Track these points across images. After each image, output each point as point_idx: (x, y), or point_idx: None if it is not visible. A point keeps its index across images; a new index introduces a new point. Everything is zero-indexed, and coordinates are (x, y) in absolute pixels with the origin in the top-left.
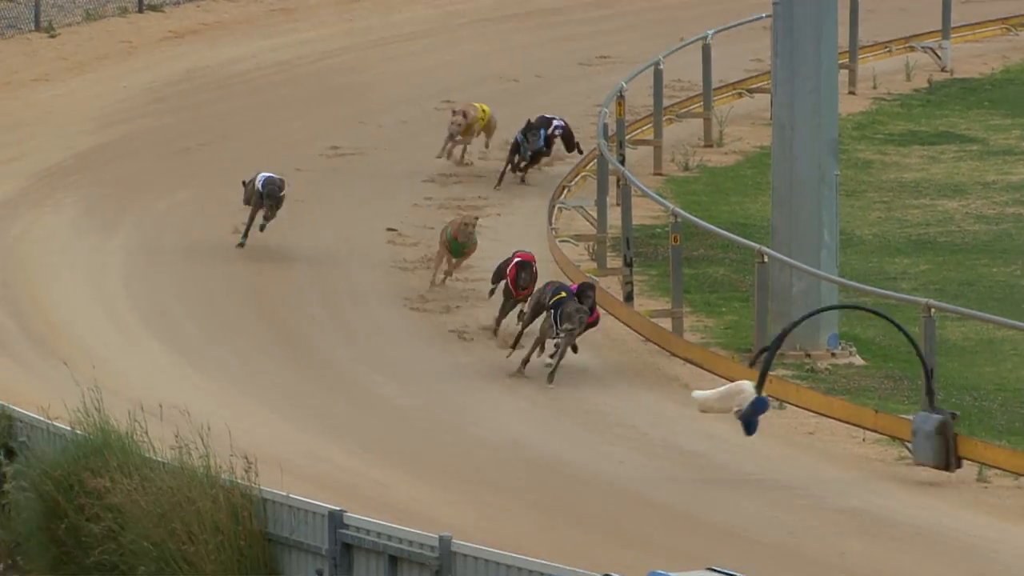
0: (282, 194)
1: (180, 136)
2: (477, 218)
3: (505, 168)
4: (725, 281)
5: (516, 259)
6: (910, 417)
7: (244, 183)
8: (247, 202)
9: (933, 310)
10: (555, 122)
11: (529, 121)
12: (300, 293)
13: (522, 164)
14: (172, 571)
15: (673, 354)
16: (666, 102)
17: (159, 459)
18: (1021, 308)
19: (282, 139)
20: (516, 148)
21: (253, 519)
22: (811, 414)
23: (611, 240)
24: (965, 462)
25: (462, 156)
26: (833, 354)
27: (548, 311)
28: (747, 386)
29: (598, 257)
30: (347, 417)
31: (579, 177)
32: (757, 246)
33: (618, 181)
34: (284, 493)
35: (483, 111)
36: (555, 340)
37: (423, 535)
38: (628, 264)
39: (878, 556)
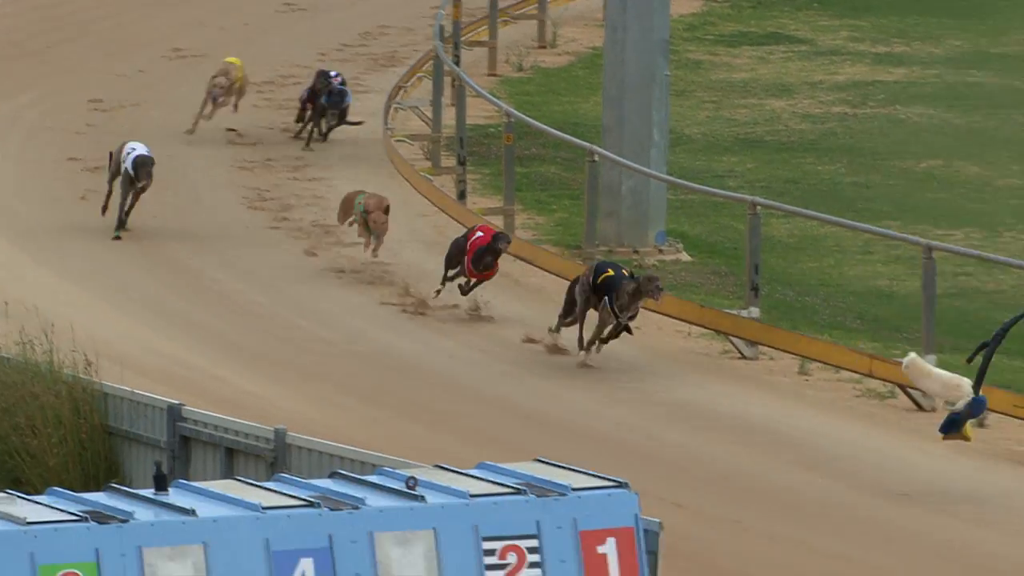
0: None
1: (24, 38)
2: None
3: (311, 130)
4: (556, 179)
5: (479, 234)
6: (735, 312)
7: (110, 154)
8: (113, 178)
9: (758, 207)
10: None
11: (331, 89)
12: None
13: (325, 126)
14: (15, 463)
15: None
16: (501, 3)
17: (4, 355)
18: (844, 205)
19: (126, 40)
20: (322, 111)
21: (94, 413)
22: (650, 314)
23: (446, 139)
24: (786, 355)
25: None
26: (661, 250)
27: (603, 296)
28: (965, 384)
29: (433, 156)
30: (187, 314)
31: (415, 78)
32: (588, 145)
33: (453, 82)
34: (125, 388)
35: (239, 68)
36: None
37: (259, 427)
38: (462, 163)
39: (701, 447)
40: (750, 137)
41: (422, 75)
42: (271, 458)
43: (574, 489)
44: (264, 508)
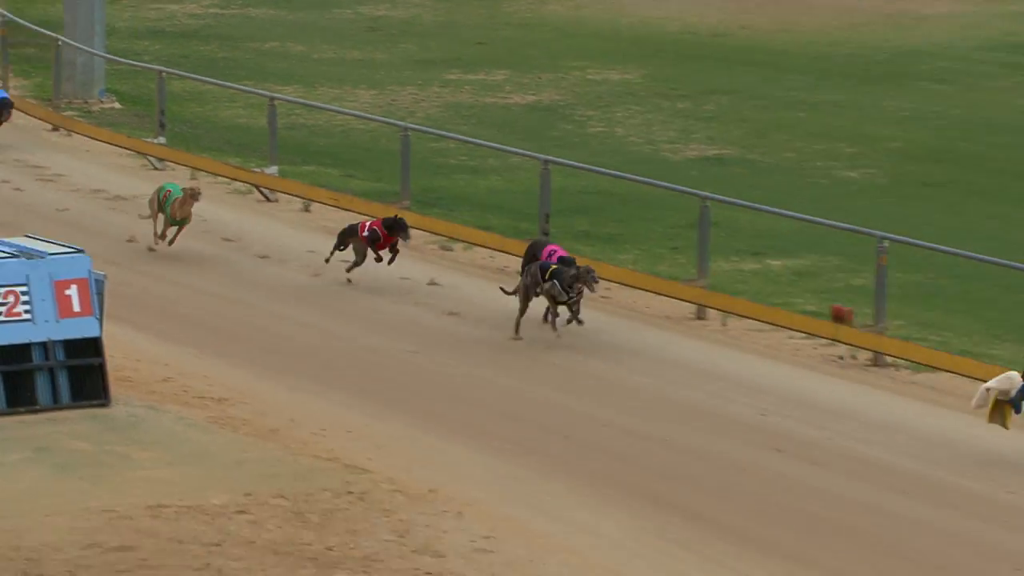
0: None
1: None
2: (198, 192)
3: None
4: (36, 57)
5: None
6: (150, 140)
7: None
8: None
9: (164, 73)
10: None
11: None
12: None
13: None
14: None
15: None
16: None
17: None
18: (217, 72)
19: None
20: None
21: None
22: (93, 143)
23: None
24: (180, 166)
25: None
26: (102, 102)
27: (551, 281)
28: (1016, 376)
29: None
30: None
31: None
32: (54, 35)
33: None
34: None
35: None
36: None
37: None
38: None
39: (142, 225)
40: (156, 28)
41: None
42: None
43: (50, 254)
44: None
